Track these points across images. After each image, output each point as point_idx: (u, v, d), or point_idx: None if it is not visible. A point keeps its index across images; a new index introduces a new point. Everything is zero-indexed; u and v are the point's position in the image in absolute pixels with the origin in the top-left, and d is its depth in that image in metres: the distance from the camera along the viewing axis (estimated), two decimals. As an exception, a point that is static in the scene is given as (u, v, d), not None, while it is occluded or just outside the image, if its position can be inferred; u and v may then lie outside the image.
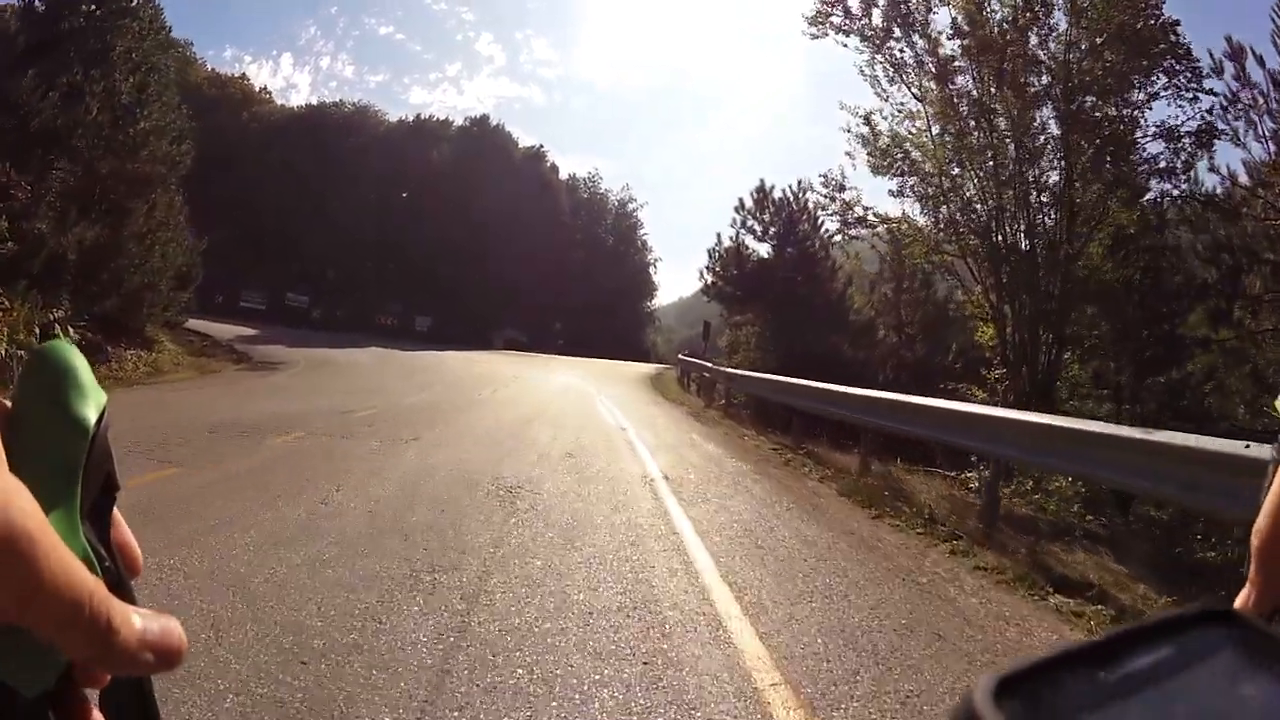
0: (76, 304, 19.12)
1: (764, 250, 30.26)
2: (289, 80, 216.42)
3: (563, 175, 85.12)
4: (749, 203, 30.38)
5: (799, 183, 30.48)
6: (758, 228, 30.12)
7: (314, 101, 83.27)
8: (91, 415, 0.60)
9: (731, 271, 29.48)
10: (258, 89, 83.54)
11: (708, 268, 30.10)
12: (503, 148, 78.73)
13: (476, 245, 69.90)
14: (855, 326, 28.86)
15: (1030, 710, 0.36)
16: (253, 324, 49.66)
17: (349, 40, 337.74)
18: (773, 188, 30.49)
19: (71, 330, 17.47)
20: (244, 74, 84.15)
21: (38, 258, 18.15)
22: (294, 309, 68.18)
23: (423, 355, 40.08)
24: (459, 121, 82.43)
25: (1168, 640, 0.40)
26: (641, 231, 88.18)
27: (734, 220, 30.54)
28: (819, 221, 29.87)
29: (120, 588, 0.57)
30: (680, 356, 37.09)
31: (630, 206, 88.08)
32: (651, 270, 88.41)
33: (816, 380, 16.19)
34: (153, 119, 22.91)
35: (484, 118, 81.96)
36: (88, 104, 20.29)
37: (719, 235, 30.74)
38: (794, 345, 27.29)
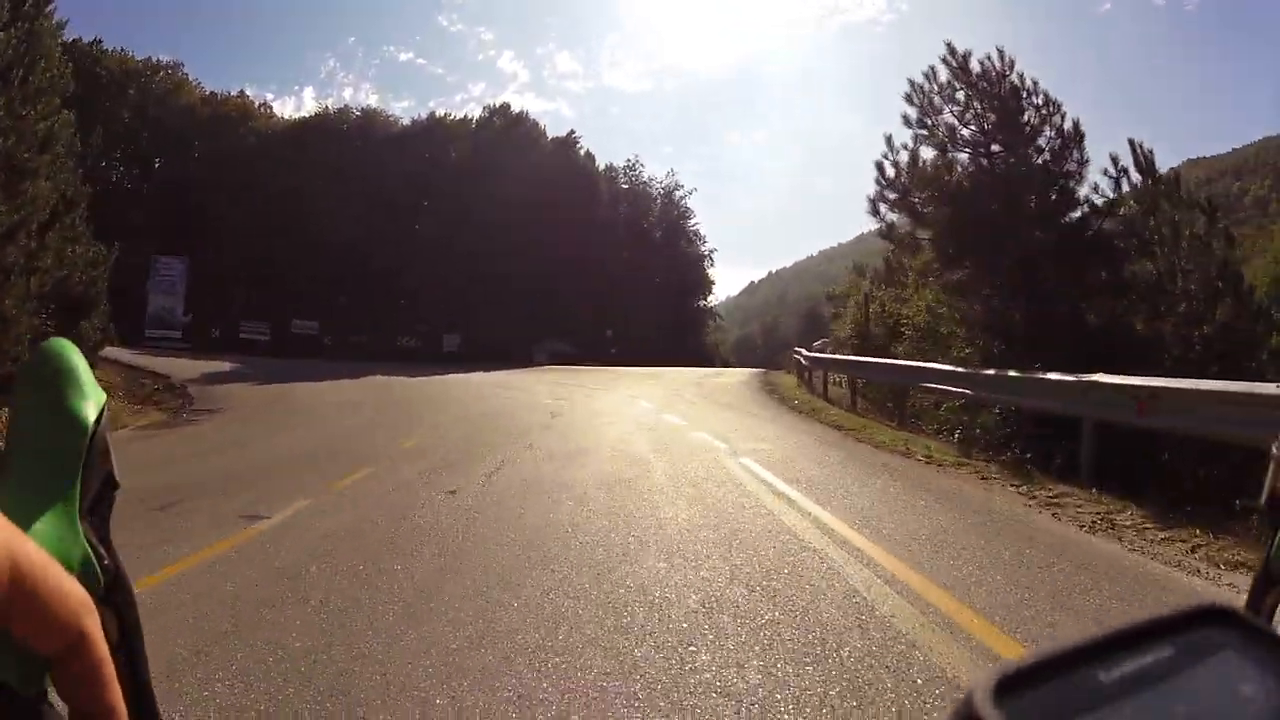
0: None
1: (961, 161, 16.89)
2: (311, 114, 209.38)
3: (600, 165, 72.47)
4: (929, 85, 17.04)
5: (1000, 52, 17.21)
6: (948, 120, 16.79)
7: (314, 111, 71.10)
8: (90, 414, 0.59)
9: (932, 194, 15.96)
10: (257, 104, 71.32)
11: (880, 194, 16.70)
12: (528, 136, 65.93)
13: (507, 250, 57.80)
14: (1139, 283, 15.67)
15: (1030, 710, 0.35)
16: (243, 357, 40.32)
17: (370, 69, 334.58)
18: (968, 54, 17.00)
19: None
20: (242, 91, 71.77)
21: None
22: (302, 337, 56.93)
23: (431, 383, 27.64)
24: (477, 114, 70.22)
25: (1168, 640, 0.39)
26: (692, 222, 74.58)
27: (905, 117, 17.18)
28: (1057, 104, 16.86)
29: (120, 584, 0.58)
30: (810, 351, 24.77)
31: (678, 195, 74.27)
32: (706, 264, 74.98)
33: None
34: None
35: (504, 106, 68.97)
36: None
37: (889, 139, 17.05)
38: (1046, 319, 14.56)
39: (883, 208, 16.79)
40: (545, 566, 5.64)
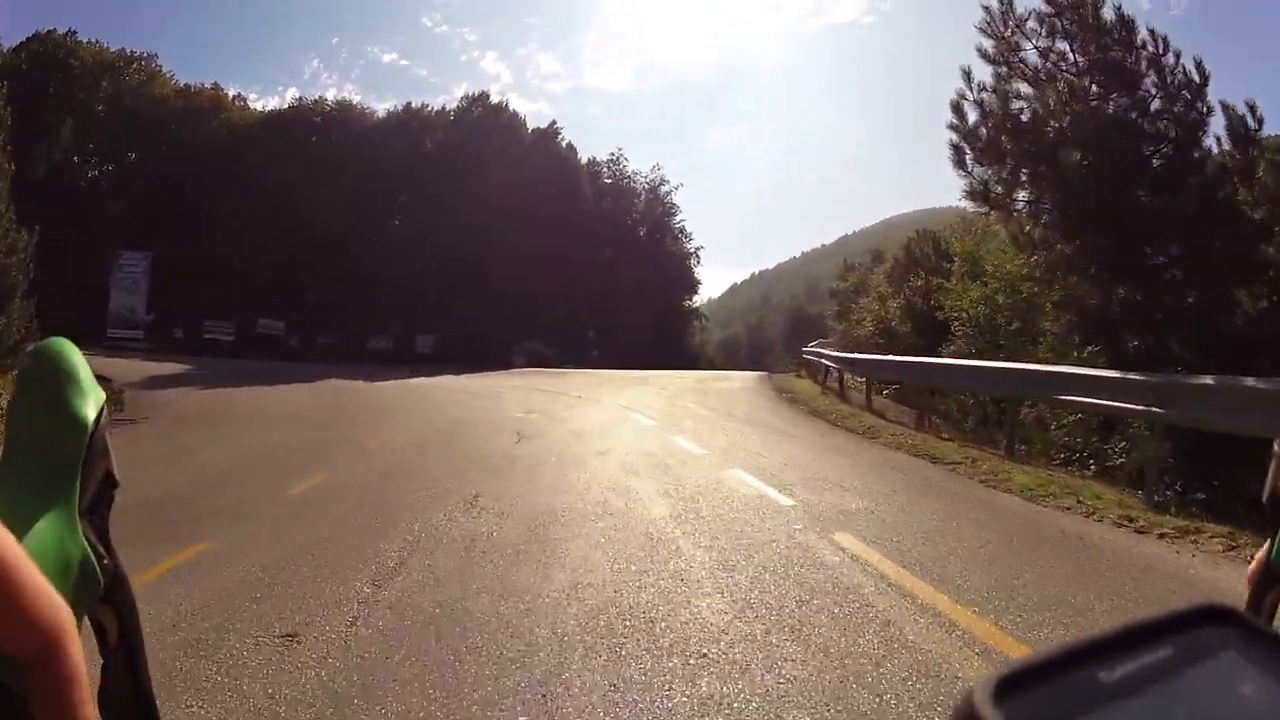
0: None
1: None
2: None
3: (582, 158, 67.41)
4: (1005, 8, 12.54)
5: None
6: (1031, 59, 12.31)
7: (288, 104, 65.93)
8: (90, 413, 0.59)
9: (1040, 141, 11.37)
10: (231, 96, 65.04)
11: (965, 141, 11.96)
12: (509, 127, 61.11)
13: (485, 246, 53.47)
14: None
15: (1030, 710, 0.34)
16: (203, 359, 37.11)
17: (354, 70, 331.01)
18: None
19: None
20: (216, 83, 66.04)
21: None
22: (268, 338, 52.51)
23: (387, 390, 23.51)
24: (455, 104, 65.42)
25: (1168, 640, 0.38)
26: (678, 218, 69.03)
27: (981, 50, 12.45)
28: (1165, 42, 12.41)
29: (119, 584, 0.57)
30: (829, 352, 20.46)
31: (663, 190, 68.72)
32: (692, 262, 69.47)
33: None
34: None
35: (483, 95, 64.02)
36: None
37: (968, 74, 12.02)
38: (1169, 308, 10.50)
39: (967, 158, 12.11)
40: None
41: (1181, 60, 12.19)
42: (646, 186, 68.57)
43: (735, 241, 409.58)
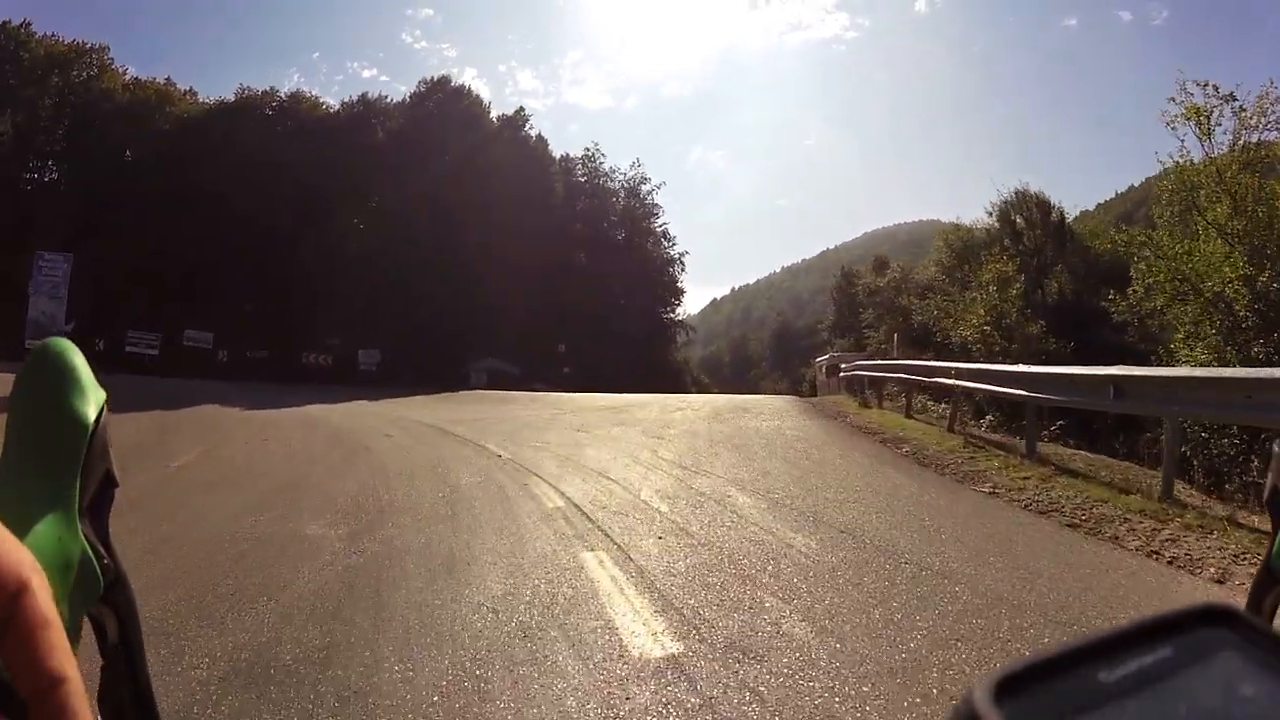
0: None
1: None
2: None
3: (555, 154, 58.59)
4: None
5: None
6: None
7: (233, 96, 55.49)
8: (90, 413, 0.56)
9: None
10: (182, 90, 57.36)
11: None
12: (469, 113, 52.40)
13: (442, 250, 45.70)
14: None
15: (1030, 710, 0.34)
16: (104, 376, 26.97)
17: (333, 85, 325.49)
18: None
19: None
20: (169, 78, 59.63)
21: None
22: (194, 351, 45.44)
23: (244, 425, 14.91)
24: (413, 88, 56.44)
25: (1168, 640, 0.37)
26: (659, 220, 60.05)
27: None
28: None
29: (119, 584, 0.55)
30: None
31: (644, 189, 59.76)
32: (676, 269, 60.11)
33: None
34: None
35: (443, 79, 55.00)
36: None
37: None
38: None
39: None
40: None
41: None
42: (625, 186, 59.47)
43: (714, 258, 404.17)
